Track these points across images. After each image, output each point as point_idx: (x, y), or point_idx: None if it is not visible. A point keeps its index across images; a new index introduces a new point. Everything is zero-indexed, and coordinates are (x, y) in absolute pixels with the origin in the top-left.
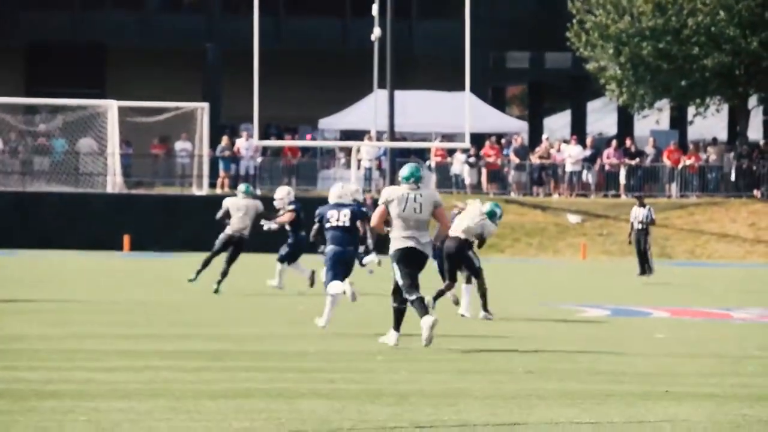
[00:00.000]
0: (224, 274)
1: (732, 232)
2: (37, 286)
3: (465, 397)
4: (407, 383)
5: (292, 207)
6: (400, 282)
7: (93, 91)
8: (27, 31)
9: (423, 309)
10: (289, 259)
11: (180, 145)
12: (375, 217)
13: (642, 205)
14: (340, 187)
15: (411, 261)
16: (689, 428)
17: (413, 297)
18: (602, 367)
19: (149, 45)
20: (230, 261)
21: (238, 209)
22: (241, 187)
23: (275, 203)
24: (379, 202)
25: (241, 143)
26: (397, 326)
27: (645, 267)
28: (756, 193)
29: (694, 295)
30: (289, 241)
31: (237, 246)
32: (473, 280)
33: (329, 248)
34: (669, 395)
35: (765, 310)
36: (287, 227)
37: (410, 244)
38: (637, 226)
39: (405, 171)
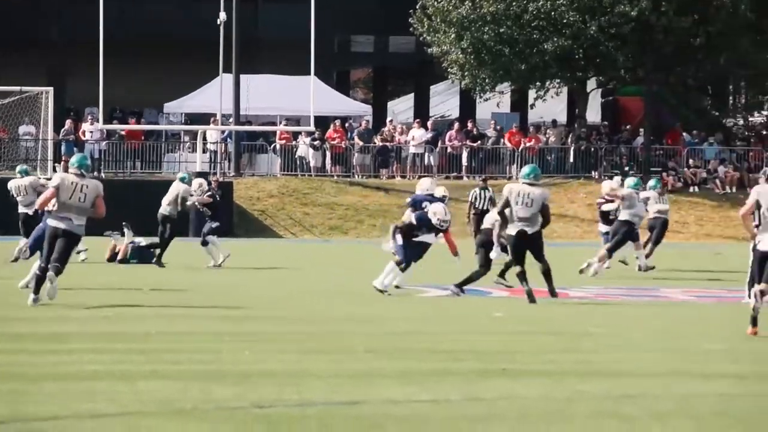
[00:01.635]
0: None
1: (570, 213)
2: None
3: (307, 376)
4: (251, 364)
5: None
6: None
7: None
8: None
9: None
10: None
11: (23, 129)
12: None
13: (485, 187)
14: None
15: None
16: (525, 405)
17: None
18: (441, 346)
19: None
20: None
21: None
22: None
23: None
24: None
25: (85, 127)
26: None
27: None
28: (594, 174)
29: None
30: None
31: None
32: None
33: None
34: (506, 373)
35: (602, 288)
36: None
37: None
38: (480, 206)
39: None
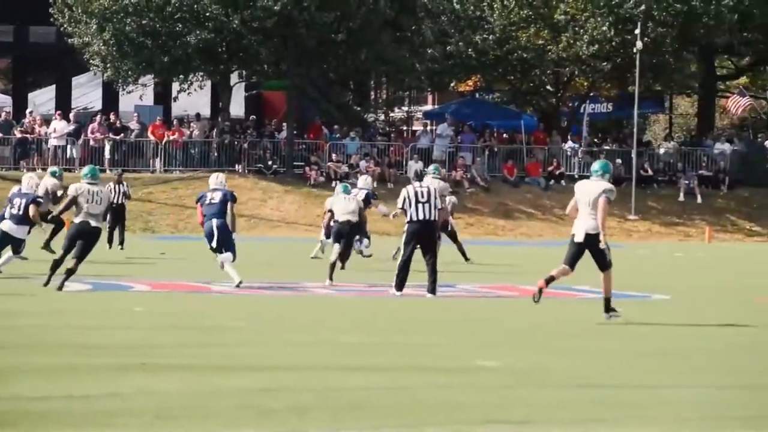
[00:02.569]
0: None
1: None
2: None
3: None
4: None
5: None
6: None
7: None
8: None
9: None
10: None
11: None
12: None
13: (120, 182)
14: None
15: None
16: (165, 400)
17: None
18: (76, 340)
19: None
20: None
21: None
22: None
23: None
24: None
25: None
26: None
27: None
28: (237, 167)
29: (174, 267)
30: None
31: None
32: None
33: None
34: (145, 367)
35: (245, 283)
36: None
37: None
38: (116, 200)
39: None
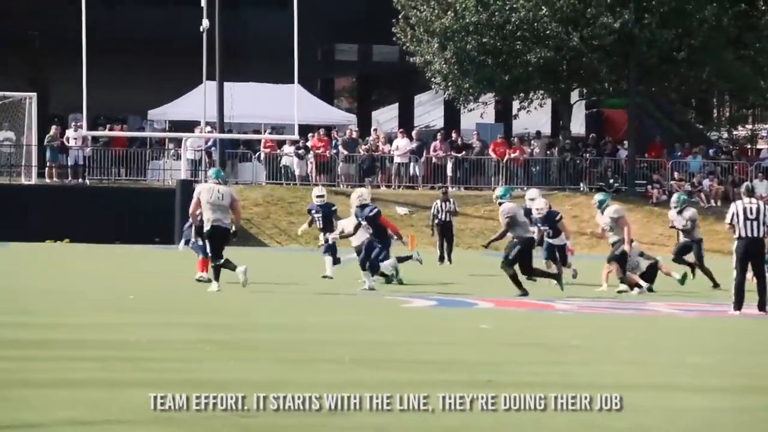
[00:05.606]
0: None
1: None
2: None
3: (287, 385)
4: (232, 372)
5: None
6: None
7: None
8: None
9: None
10: None
11: (3, 135)
12: None
13: (446, 199)
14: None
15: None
16: (508, 416)
17: None
18: (425, 357)
19: None
20: None
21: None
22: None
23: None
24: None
25: (69, 133)
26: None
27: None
28: (581, 186)
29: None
30: None
31: None
32: None
33: None
34: (491, 384)
35: (587, 301)
36: None
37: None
38: (442, 218)
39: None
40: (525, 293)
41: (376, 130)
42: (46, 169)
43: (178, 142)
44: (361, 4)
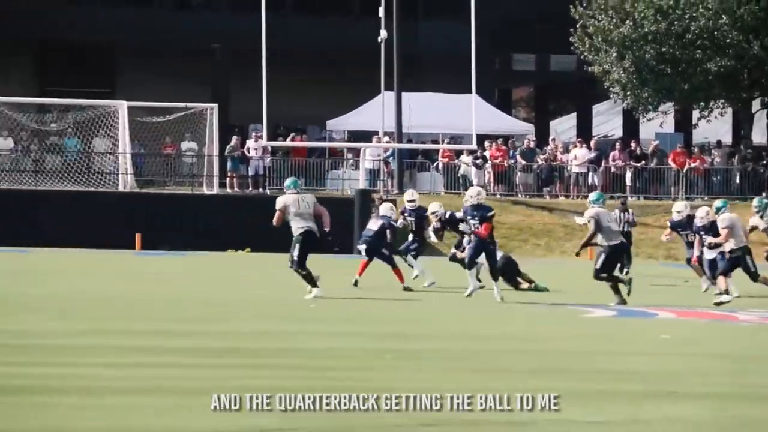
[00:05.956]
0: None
1: None
2: (47, 283)
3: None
4: (417, 381)
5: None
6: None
7: (103, 91)
8: (38, 30)
9: None
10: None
11: (186, 145)
12: None
13: (625, 210)
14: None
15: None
16: (690, 428)
17: None
18: (606, 367)
19: (158, 44)
20: None
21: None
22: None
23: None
24: None
25: (250, 144)
26: None
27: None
28: (765, 195)
29: (698, 296)
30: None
31: None
32: None
33: None
34: (672, 395)
35: None
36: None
37: None
38: (621, 228)
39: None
40: (623, 302)
41: (554, 139)
42: (227, 179)
43: (356, 152)
44: (539, 14)
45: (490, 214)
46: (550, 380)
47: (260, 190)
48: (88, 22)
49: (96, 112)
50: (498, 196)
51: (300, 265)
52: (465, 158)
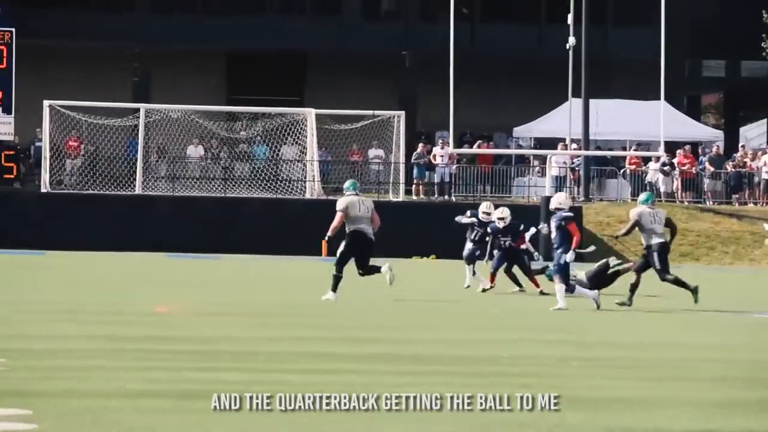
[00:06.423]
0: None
1: None
2: (238, 289)
3: (660, 404)
4: (603, 389)
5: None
6: None
7: (292, 99)
8: (228, 39)
9: None
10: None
11: (373, 153)
12: None
13: None
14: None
15: None
16: None
17: None
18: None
19: (346, 52)
20: None
21: None
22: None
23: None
24: None
25: (436, 151)
26: None
27: None
28: None
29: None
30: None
31: None
32: None
33: None
34: None
35: None
36: None
37: None
38: None
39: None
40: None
41: (743, 146)
42: (413, 186)
43: (542, 159)
44: (729, 20)
45: (567, 215)
46: (745, 390)
47: (446, 197)
48: (278, 31)
49: (284, 120)
50: (686, 204)
51: (339, 264)
52: (653, 165)
